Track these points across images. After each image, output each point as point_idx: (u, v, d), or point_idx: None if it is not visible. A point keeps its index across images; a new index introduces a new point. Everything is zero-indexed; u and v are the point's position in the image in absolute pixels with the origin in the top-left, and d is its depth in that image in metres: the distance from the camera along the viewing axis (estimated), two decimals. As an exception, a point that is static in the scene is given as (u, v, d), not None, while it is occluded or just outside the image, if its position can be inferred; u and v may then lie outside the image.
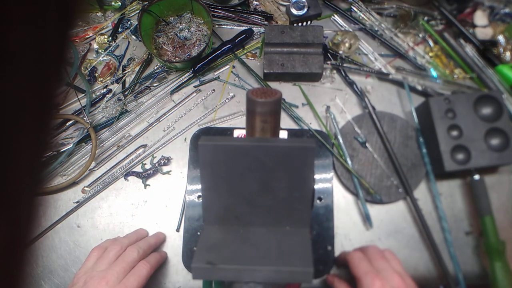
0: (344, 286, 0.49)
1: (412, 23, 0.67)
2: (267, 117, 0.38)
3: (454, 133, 0.58)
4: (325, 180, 0.58)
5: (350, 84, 0.64)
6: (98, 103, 0.64)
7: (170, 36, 0.66)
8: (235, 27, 0.68)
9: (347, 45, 0.64)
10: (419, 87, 0.63)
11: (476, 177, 0.56)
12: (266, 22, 0.68)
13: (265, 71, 0.62)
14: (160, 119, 0.63)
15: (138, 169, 0.60)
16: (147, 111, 0.63)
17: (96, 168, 0.61)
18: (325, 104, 0.63)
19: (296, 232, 0.39)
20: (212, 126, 0.62)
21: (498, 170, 0.61)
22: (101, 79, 0.65)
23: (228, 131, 0.61)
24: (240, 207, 0.39)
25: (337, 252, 0.56)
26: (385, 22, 0.68)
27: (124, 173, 0.60)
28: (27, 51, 0.13)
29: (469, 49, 0.65)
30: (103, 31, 0.68)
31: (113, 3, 0.69)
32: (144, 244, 0.51)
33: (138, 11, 0.68)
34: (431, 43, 0.67)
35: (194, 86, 0.65)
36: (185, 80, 0.64)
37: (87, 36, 0.67)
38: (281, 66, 0.61)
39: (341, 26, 0.68)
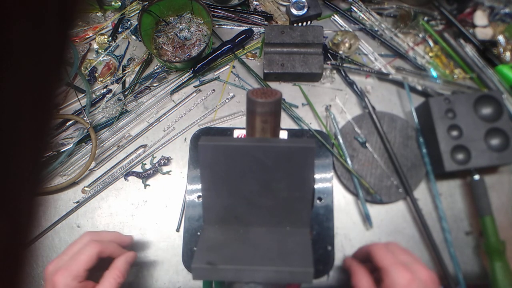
0: (363, 271, 0.45)
1: (412, 23, 0.67)
2: (267, 117, 0.38)
3: (454, 133, 0.58)
4: (325, 180, 0.58)
5: (350, 84, 0.64)
6: (98, 103, 0.64)
7: (170, 36, 0.66)
8: (235, 27, 0.68)
9: (347, 45, 0.64)
10: (419, 87, 0.63)
11: (476, 177, 0.56)
12: (266, 22, 0.68)
13: (265, 71, 0.62)
14: (160, 119, 0.63)
15: (138, 169, 0.60)
16: (147, 111, 0.63)
17: (96, 168, 0.61)
18: (325, 104, 0.63)
19: (296, 232, 0.39)
20: (212, 126, 0.62)
21: (498, 170, 0.61)
22: (101, 79, 0.65)
23: (228, 131, 0.61)
24: (240, 207, 0.39)
25: (337, 252, 0.56)
26: (385, 22, 0.68)
27: (124, 173, 0.60)
28: (27, 51, 0.13)
29: (469, 49, 0.65)
30: (103, 31, 0.68)
31: (113, 3, 0.69)
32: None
33: (138, 11, 0.68)
34: (431, 43, 0.67)
35: (194, 86, 0.65)
36: (185, 80, 0.64)
37: (87, 36, 0.67)
38: (281, 66, 0.61)
39: (341, 26, 0.68)
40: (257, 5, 0.69)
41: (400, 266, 0.42)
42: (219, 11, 0.68)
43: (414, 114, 0.61)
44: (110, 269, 0.46)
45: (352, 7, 0.69)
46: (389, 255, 0.44)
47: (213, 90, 0.64)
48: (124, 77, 0.65)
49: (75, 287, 0.43)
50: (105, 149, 0.62)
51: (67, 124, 0.62)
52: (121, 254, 0.48)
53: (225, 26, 0.68)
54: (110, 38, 0.67)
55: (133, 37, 0.68)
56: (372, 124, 0.61)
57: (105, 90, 0.65)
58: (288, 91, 0.64)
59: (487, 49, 0.65)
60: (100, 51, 0.67)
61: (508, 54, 0.66)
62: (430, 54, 0.66)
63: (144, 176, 0.59)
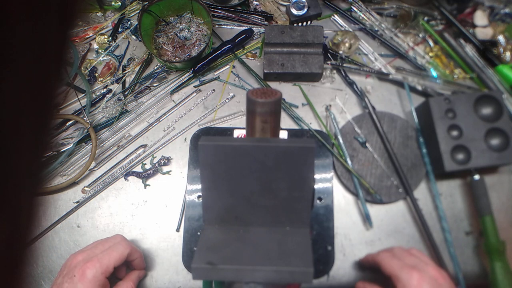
0: None
1: (412, 23, 0.67)
2: (267, 117, 0.38)
3: (454, 133, 0.58)
4: (325, 180, 0.58)
5: (350, 84, 0.64)
6: (98, 103, 0.64)
7: (170, 36, 0.66)
8: (235, 27, 0.68)
9: (347, 45, 0.64)
10: (419, 87, 0.63)
11: (476, 177, 0.56)
12: (266, 22, 0.68)
13: (265, 71, 0.62)
14: (160, 119, 0.63)
15: (138, 169, 0.60)
16: (147, 111, 0.63)
17: (96, 168, 0.61)
18: (325, 104, 0.63)
19: (296, 232, 0.39)
20: (212, 126, 0.62)
21: (498, 170, 0.61)
22: (101, 79, 0.65)
23: (228, 131, 0.61)
24: (240, 207, 0.39)
25: (337, 252, 0.56)
26: (385, 22, 0.68)
27: (124, 173, 0.60)
28: (27, 51, 0.13)
29: (469, 49, 0.65)
30: (103, 31, 0.68)
31: (113, 3, 0.69)
32: None
33: (138, 11, 0.68)
34: (431, 43, 0.67)
35: (194, 86, 0.65)
36: (185, 80, 0.64)
37: (87, 36, 0.67)
38: (281, 66, 0.61)
39: (341, 26, 0.68)
40: (257, 5, 0.69)
41: (407, 268, 0.43)
42: (219, 11, 0.68)
43: (414, 114, 0.61)
44: (126, 279, 0.49)
45: (352, 7, 0.69)
46: (395, 260, 0.45)
47: (213, 90, 0.64)
48: (124, 77, 0.65)
49: (101, 281, 0.44)
50: (105, 149, 0.62)
51: (67, 124, 0.62)
52: (139, 267, 0.52)
53: (225, 26, 0.68)
54: (110, 38, 0.67)
55: (133, 37, 0.68)
56: (372, 124, 0.61)
57: (105, 90, 0.65)
58: (288, 91, 0.64)
59: (487, 49, 0.65)
60: (100, 51, 0.67)
61: (508, 54, 0.66)
62: (430, 54, 0.66)
63: (144, 176, 0.59)
